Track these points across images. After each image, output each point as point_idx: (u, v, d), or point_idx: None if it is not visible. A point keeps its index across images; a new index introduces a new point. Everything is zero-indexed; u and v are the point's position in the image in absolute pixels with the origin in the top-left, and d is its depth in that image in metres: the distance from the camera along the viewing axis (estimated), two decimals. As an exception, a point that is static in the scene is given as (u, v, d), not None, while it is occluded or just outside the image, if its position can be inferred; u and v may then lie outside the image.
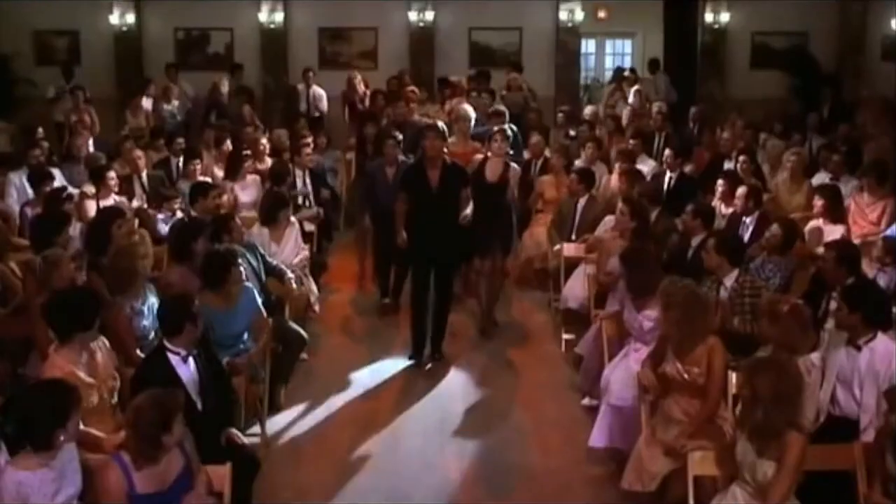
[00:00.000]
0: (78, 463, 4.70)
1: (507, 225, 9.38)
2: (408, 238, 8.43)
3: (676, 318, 5.61)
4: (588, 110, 15.19)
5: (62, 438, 4.45)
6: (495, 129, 9.40)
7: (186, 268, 7.40)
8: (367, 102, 15.43)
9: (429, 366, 8.48)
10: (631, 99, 15.69)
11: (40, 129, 12.41)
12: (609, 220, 9.00)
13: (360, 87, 16.16)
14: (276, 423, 7.22)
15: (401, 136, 10.05)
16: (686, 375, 5.62)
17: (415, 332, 8.65)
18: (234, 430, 5.59)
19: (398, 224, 8.50)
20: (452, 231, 8.36)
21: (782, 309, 5.52)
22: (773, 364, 4.70)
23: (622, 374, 6.62)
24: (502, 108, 12.13)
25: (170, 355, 5.65)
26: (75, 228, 8.63)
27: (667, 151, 11.17)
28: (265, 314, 7.06)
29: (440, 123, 8.65)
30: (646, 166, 11.64)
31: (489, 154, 9.15)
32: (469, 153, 9.65)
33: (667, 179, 10.81)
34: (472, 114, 10.19)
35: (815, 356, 5.79)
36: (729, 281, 6.83)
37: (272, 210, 8.86)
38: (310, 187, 10.78)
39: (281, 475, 6.62)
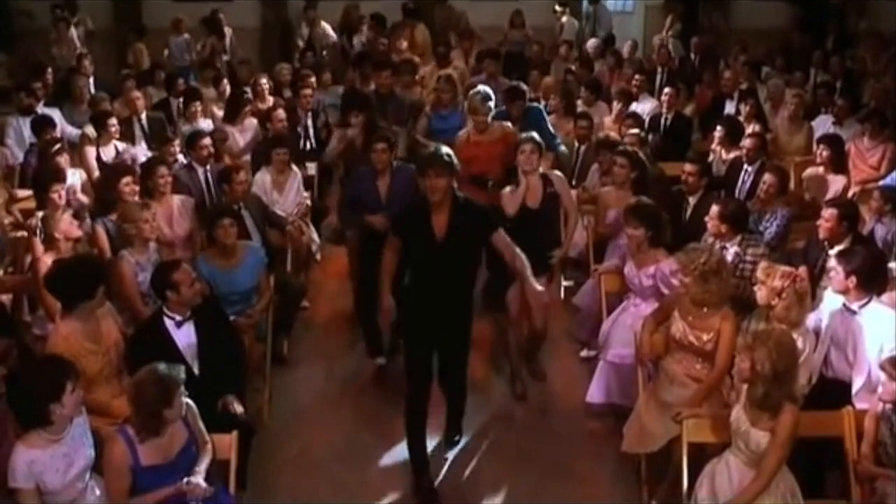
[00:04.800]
0: (90, 436, 4.82)
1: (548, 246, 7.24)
2: (400, 306, 6.16)
3: (700, 286, 5.61)
4: (589, 44, 15.02)
5: (58, 413, 4.53)
6: (522, 138, 7.29)
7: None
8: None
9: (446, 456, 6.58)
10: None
11: (50, 70, 12.31)
12: (595, 168, 9.03)
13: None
14: (279, 377, 7.30)
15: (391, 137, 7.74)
16: (694, 340, 5.68)
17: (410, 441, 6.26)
18: (231, 398, 5.63)
19: (383, 282, 6.16)
20: (463, 300, 6.11)
21: (783, 285, 5.55)
22: (771, 340, 4.73)
23: (620, 330, 6.70)
24: (521, 86, 9.35)
25: (165, 319, 5.73)
26: (74, 176, 8.69)
27: (666, 90, 11.09)
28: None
29: (445, 150, 6.03)
30: (648, 104, 11.60)
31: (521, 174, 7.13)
32: (499, 143, 7.93)
33: (663, 120, 10.78)
34: (489, 93, 8.20)
35: (809, 318, 5.85)
36: (732, 247, 6.84)
37: (266, 149, 8.87)
38: (312, 129, 10.72)
39: (286, 431, 6.75)
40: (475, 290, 6.29)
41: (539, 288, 6.05)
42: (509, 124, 8.17)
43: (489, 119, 8.05)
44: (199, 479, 4.76)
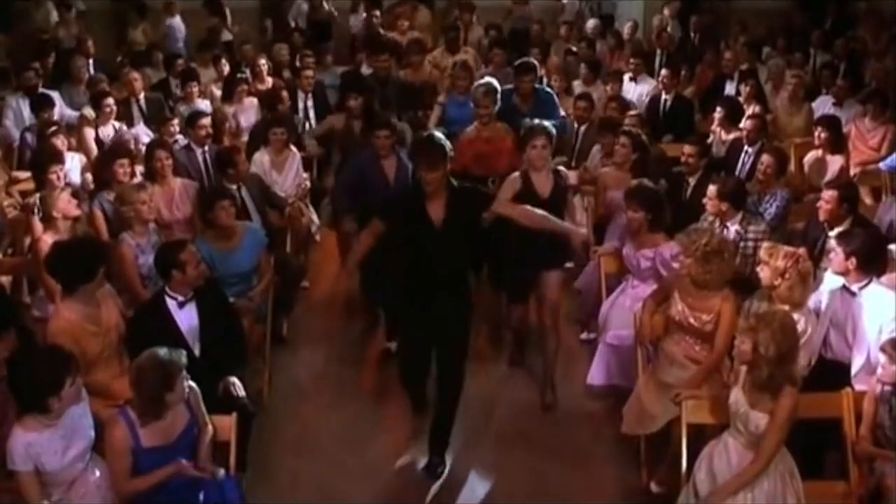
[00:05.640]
0: (90, 417, 4.81)
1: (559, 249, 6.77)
2: (400, 298, 6.10)
3: (701, 267, 5.58)
4: (590, 24, 14.95)
5: (56, 405, 4.52)
6: (533, 127, 6.75)
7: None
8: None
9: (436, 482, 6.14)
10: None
11: (53, 54, 12.25)
12: (597, 149, 8.95)
13: None
14: (279, 357, 7.31)
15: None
16: (694, 321, 5.67)
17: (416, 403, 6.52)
18: (232, 380, 5.64)
19: (353, 260, 6.24)
20: (462, 288, 6.04)
21: (787, 265, 5.55)
22: (775, 322, 4.74)
23: (619, 311, 6.70)
24: (532, 61, 9.39)
25: (168, 300, 5.72)
26: (73, 159, 8.66)
27: (663, 71, 11.06)
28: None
29: (437, 139, 5.91)
30: (647, 85, 11.57)
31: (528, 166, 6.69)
32: (505, 140, 7.86)
33: (662, 101, 10.72)
34: (494, 85, 8.08)
35: (809, 299, 5.84)
36: (733, 225, 6.83)
37: (264, 129, 8.81)
38: (312, 111, 10.68)
39: (286, 411, 6.77)
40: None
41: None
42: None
43: (493, 111, 8.02)
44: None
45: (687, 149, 8.10)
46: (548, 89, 9.47)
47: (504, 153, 7.77)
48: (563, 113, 9.22)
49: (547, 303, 6.85)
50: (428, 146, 5.82)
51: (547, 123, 6.85)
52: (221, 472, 4.90)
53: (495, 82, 8.20)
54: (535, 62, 9.33)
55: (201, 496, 4.84)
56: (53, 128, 8.73)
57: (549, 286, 6.82)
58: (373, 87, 9.12)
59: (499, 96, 8.06)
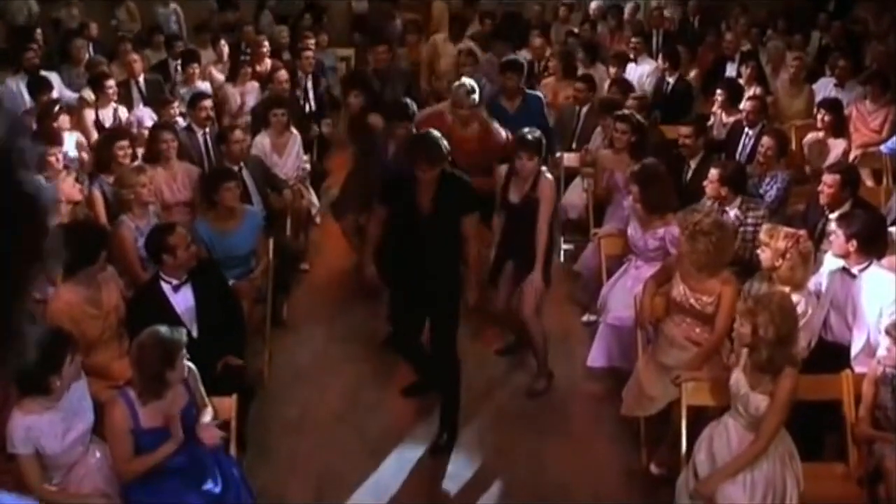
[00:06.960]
0: (89, 399, 4.82)
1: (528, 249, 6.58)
2: (391, 275, 6.32)
3: (704, 248, 5.54)
4: (593, 5, 14.89)
5: (56, 384, 4.53)
6: (518, 140, 6.70)
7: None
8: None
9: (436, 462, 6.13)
10: None
11: (38, 31, 12.19)
12: (599, 130, 8.94)
13: None
14: (279, 339, 7.32)
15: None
16: (695, 303, 5.67)
17: (415, 364, 6.59)
18: (232, 359, 5.66)
19: (367, 249, 6.47)
20: (448, 274, 6.06)
21: (787, 246, 5.54)
22: (773, 304, 4.74)
23: (620, 292, 6.70)
24: (519, 58, 9.35)
25: (162, 283, 5.73)
26: (72, 139, 8.60)
27: (660, 55, 11.02)
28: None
29: (433, 138, 5.95)
30: (647, 66, 11.54)
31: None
32: (475, 141, 7.70)
33: (664, 85, 10.69)
34: (474, 86, 7.85)
35: (810, 281, 5.84)
36: (732, 210, 6.80)
37: (264, 111, 8.79)
38: (312, 91, 10.65)
39: (286, 392, 6.78)
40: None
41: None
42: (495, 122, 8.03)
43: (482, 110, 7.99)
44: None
45: (683, 130, 8.06)
46: (538, 94, 9.25)
47: (471, 154, 7.54)
48: (550, 122, 9.06)
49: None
50: (429, 143, 5.91)
51: (530, 137, 6.67)
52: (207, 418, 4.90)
53: (474, 83, 7.96)
54: (522, 60, 9.20)
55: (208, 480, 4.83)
56: (57, 107, 8.66)
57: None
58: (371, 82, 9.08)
59: (476, 97, 7.84)
